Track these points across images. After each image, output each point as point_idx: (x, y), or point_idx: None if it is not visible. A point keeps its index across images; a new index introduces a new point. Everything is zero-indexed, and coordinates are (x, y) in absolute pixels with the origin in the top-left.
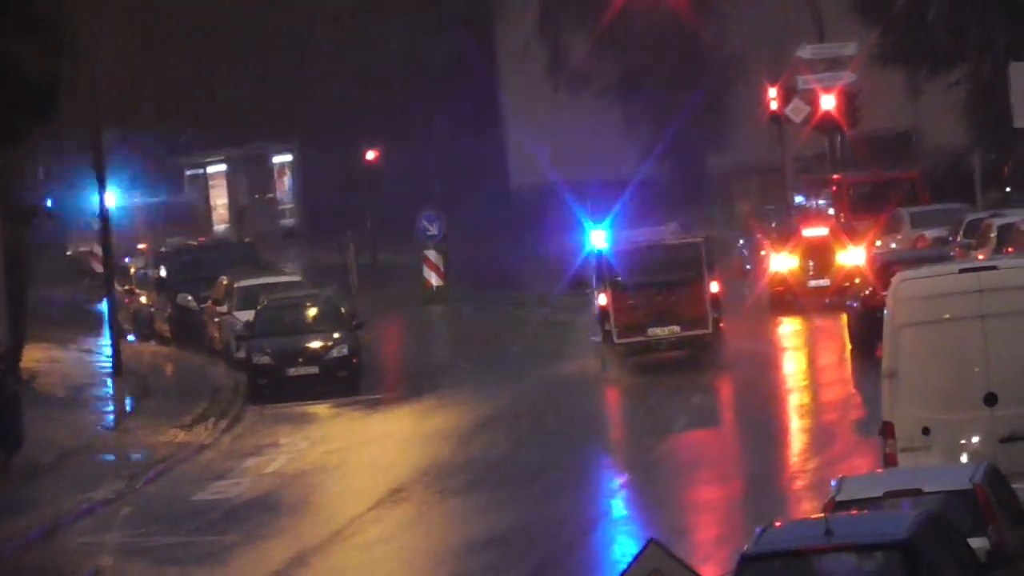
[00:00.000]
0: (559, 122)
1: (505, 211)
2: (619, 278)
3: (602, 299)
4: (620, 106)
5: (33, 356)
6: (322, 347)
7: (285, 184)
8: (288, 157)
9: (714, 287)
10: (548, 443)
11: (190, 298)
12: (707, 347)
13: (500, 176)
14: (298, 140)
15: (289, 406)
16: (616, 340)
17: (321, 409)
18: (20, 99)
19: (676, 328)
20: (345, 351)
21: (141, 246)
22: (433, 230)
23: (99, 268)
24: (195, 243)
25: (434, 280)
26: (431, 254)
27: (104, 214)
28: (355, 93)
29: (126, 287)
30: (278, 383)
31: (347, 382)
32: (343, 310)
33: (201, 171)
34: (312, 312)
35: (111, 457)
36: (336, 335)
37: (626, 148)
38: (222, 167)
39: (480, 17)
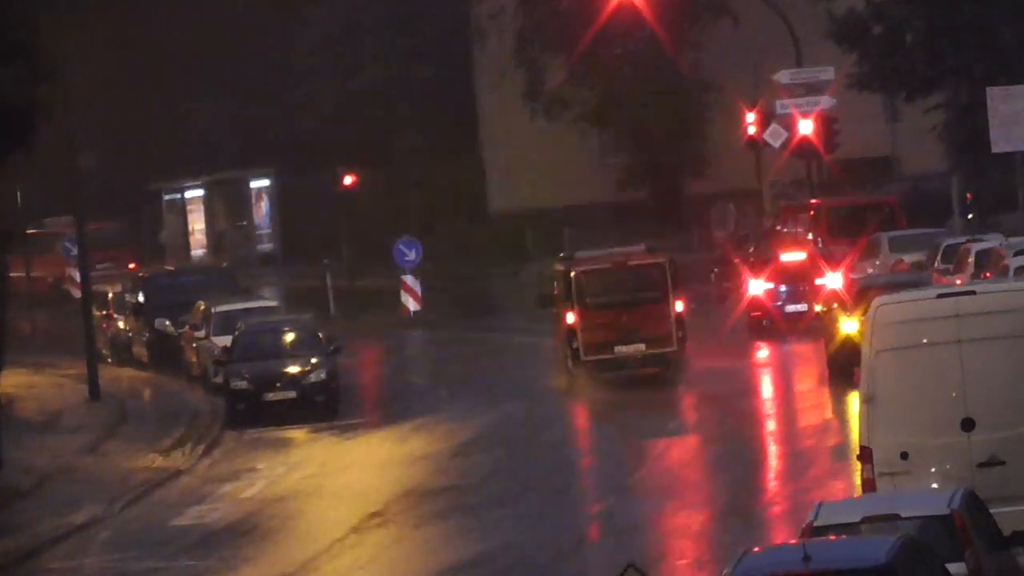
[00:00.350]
0: (536, 147)
1: (484, 236)
2: (586, 298)
3: (570, 318)
4: (597, 131)
5: (10, 381)
6: (300, 372)
7: (262, 209)
8: (265, 182)
9: (679, 306)
10: (526, 467)
11: (168, 323)
12: (672, 364)
13: (479, 201)
14: (276, 165)
15: (267, 431)
16: (583, 358)
17: (299, 434)
18: None
19: (641, 346)
20: (323, 376)
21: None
22: (411, 255)
23: (76, 293)
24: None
25: (411, 305)
26: (408, 279)
27: (81, 239)
28: (333, 118)
29: (104, 312)
30: (256, 408)
31: (325, 407)
32: (321, 335)
33: (179, 196)
34: (290, 337)
35: (89, 482)
36: (314, 360)
37: (602, 173)
38: (199, 192)
39: (458, 43)
